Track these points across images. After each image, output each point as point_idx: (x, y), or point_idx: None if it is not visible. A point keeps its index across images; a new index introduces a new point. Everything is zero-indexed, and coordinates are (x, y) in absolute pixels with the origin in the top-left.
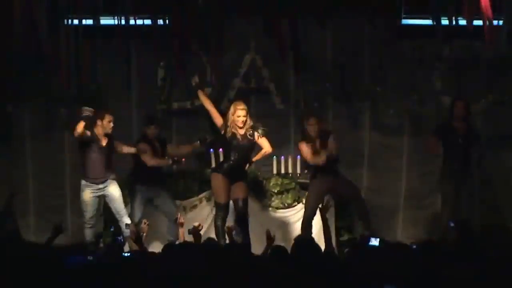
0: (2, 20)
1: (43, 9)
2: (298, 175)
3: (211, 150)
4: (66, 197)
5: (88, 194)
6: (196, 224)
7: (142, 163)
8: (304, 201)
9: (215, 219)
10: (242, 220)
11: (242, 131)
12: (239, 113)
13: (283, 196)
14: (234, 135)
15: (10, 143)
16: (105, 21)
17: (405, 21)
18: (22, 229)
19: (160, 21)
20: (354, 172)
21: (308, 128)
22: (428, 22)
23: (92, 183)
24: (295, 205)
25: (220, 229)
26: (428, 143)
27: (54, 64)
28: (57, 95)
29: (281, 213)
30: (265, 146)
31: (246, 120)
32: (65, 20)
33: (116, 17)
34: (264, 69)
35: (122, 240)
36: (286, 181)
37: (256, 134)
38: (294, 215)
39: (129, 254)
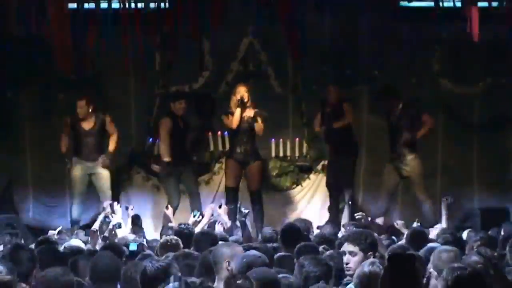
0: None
1: None
2: (297, 157)
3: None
4: (64, 182)
5: None
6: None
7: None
8: (302, 184)
9: (226, 202)
10: (254, 209)
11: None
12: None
13: (282, 179)
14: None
15: (9, 129)
16: (103, 5)
17: (403, 4)
18: (21, 214)
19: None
20: None
21: (327, 97)
22: (426, 4)
23: None
24: (294, 188)
25: (231, 211)
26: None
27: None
28: (55, 81)
29: (280, 196)
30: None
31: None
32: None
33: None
34: (262, 53)
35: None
36: (284, 164)
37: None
38: (293, 198)
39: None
